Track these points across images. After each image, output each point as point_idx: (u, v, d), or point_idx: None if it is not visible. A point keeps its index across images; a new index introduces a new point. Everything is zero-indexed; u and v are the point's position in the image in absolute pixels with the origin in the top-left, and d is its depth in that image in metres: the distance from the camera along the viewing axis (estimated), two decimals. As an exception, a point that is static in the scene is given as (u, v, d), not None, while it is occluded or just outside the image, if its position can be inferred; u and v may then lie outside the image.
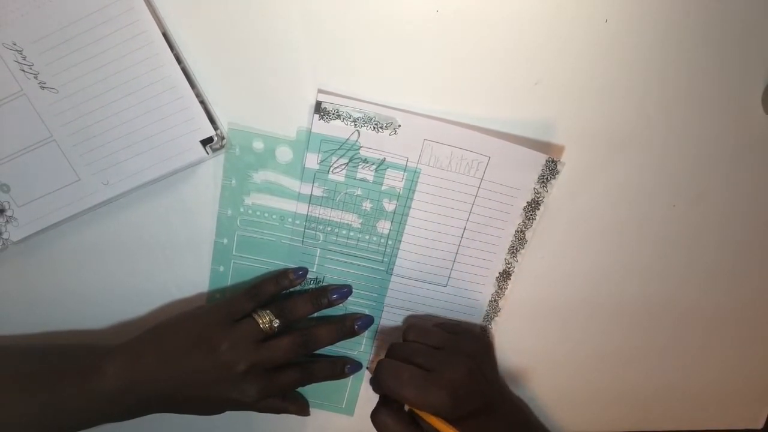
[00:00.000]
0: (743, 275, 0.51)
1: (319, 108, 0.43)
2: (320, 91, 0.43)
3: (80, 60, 0.40)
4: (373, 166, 0.44)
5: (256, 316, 0.44)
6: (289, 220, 0.46)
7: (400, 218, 0.46)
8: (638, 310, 0.51)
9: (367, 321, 0.48)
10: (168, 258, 0.46)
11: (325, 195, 0.45)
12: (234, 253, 0.47)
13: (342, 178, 0.45)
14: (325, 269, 0.48)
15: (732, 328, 0.53)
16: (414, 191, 0.45)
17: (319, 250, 0.47)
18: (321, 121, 0.43)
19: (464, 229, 0.47)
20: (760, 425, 0.58)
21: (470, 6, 0.41)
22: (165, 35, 0.40)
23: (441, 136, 0.44)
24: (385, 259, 0.47)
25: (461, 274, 0.48)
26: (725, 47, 0.43)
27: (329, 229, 0.46)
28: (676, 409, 0.56)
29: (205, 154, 0.42)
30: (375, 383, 0.44)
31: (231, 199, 0.45)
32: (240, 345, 0.43)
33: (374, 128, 0.43)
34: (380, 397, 0.44)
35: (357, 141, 0.43)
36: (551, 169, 0.45)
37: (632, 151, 0.46)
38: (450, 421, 0.41)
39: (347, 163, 0.44)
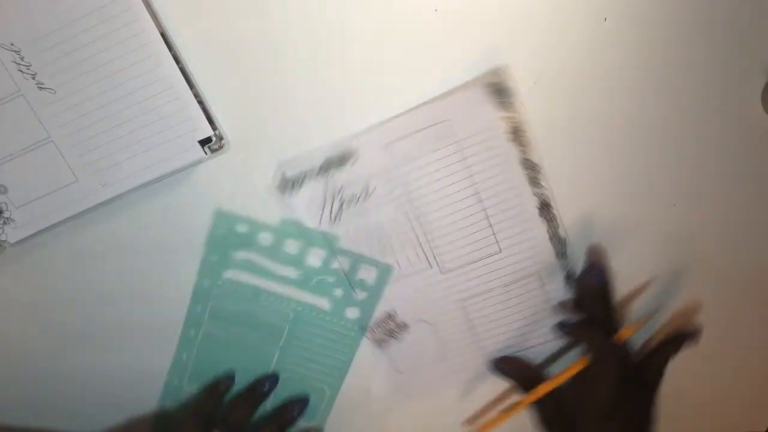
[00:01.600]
0: (744, 276, 0.51)
1: (285, 182, 0.44)
2: (280, 165, 0.44)
3: (78, 60, 0.40)
4: (365, 195, 0.45)
5: None
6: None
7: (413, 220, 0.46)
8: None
9: (302, 405, 0.49)
10: (166, 260, 0.46)
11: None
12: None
13: (348, 218, 0.45)
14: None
15: (733, 329, 0.53)
16: (412, 191, 0.45)
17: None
18: (293, 193, 0.44)
19: (477, 192, 0.45)
20: (763, 430, 0.58)
21: (468, 6, 0.41)
22: (163, 35, 0.40)
23: (395, 132, 0.44)
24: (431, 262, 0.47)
25: (506, 232, 0.47)
26: (725, 46, 0.43)
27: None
28: (678, 414, 0.56)
29: (204, 154, 0.42)
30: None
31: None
32: None
33: (339, 165, 0.44)
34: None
35: (336, 185, 0.44)
36: (501, 90, 0.43)
37: (632, 150, 0.46)
38: None
39: (341, 206, 0.45)
